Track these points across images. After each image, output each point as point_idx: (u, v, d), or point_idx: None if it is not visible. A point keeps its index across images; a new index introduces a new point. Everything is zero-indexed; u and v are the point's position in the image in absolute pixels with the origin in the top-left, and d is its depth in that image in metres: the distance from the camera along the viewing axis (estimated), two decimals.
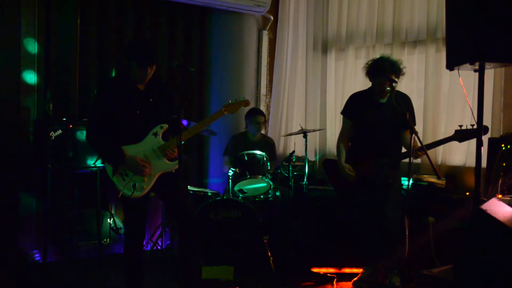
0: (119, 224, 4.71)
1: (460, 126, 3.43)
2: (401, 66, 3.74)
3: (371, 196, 3.79)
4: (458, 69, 2.96)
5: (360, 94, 3.99)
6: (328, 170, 4.14)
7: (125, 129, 3.20)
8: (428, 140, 4.29)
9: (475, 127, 3.31)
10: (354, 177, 3.82)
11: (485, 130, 3.24)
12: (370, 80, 3.85)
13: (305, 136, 4.64)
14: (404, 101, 3.77)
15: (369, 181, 3.78)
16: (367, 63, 3.84)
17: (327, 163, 4.24)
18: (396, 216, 3.59)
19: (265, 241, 4.18)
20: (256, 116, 4.98)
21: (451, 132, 4.19)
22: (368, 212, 3.82)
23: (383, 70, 3.67)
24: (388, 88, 3.66)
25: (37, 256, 4.44)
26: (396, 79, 3.66)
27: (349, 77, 5.28)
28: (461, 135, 3.47)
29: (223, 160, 5.13)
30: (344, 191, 4.00)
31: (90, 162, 4.38)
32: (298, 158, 5.28)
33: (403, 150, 3.85)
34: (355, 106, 3.94)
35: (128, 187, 3.13)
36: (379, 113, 3.80)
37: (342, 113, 4.04)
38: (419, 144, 3.40)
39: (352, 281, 3.90)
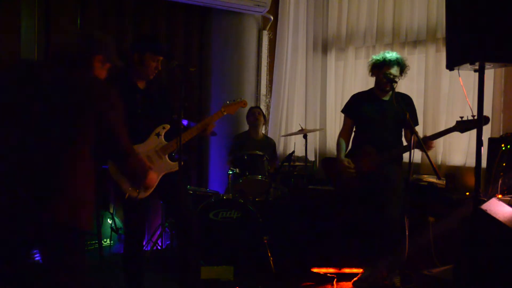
0: (119, 224, 4.70)
1: (461, 117, 3.50)
2: (406, 63, 3.79)
3: (371, 192, 3.78)
4: (458, 69, 2.96)
5: (362, 94, 4.02)
6: (327, 168, 4.15)
7: (127, 129, 3.19)
8: None
9: (475, 117, 3.35)
10: (352, 170, 3.82)
11: (485, 120, 3.35)
12: (375, 75, 3.86)
13: (305, 137, 4.65)
14: (406, 101, 3.79)
15: (370, 176, 3.78)
16: (371, 58, 3.87)
17: (326, 162, 4.25)
18: (396, 214, 3.59)
19: (265, 241, 4.18)
20: (252, 108, 5.16)
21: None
22: (368, 209, 3.82)
23: (388, 60, 3.71)
24: (389, 79, 3.67)
25: (37, 256, 4.43)
26: (397, 74, 3.68)
27: (349, 77, 5.28)
28: (462, 126, 3.51)
29: (227, 160, 5.12)
30: (343, 189, 4.00)
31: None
32: (298, 158, 5.28)
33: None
34: (356, 105, 3.96)
35: (133, 188, 3.13)
36: (381, 109, 3.82)
37: (342, 111, 4.06)
38: (424, 138, 3.52)
39: (352, 281, 3.90)
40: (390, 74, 3.69)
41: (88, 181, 2.11)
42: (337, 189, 4.10)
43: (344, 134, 4.03)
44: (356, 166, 3.85)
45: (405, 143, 3.91)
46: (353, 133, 4.09)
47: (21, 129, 2.02)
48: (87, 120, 2.07)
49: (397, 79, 3.74)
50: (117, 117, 2.18)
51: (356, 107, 3.97)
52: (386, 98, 3.85)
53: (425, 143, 3.55)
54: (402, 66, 3.77)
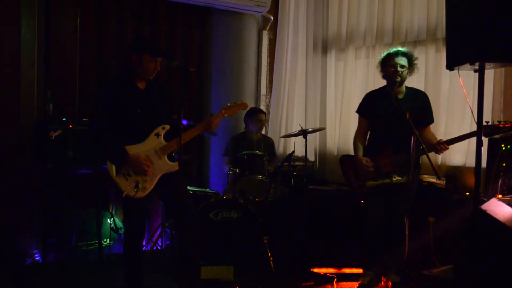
0: (119, 224, 4.70)
1: (487, 122, 3.36)
2: (413, 55, 3.75)
3: (387, 194, 3.72)
4: (458, 69, 2.96)
5: (376, 92, 3.94)
6: (345, 165, 4.08)
7: (126, 129, 3.20)
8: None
9: (502, 124, 3.31)
10: (371, 169, 3.77)
11: None
12: (383, 71, 3.79)
13: (305, 137, 4.64)
14: (420, 99, 3.77)
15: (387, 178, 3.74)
16: (378, 60, 3.85)
17: (344, 159, 4.17)
18: (402, 218, 3.54)
19: (265, 241, 4.18)
20: (258, 114, 5.02)
21: (451, 132, 4.18)
22: (380, 210, 3.76)
23: (394, 52, 3.70)
24: (398, 79, 3.63)
25: (37, 256, 4.44)
26: (405, 64, 3.66)
27: (349, 77, 5.29)
28: (487, 130, 3.37)
29: (223, 160, 5.13)
30: (358, 188, 3.94)
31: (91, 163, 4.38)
32: (298, 158, 5.28)
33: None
34: (370, 104, 3.89)
35: (131, 187, 3.14)
36: (396, 108, 3.74)
37: (357, 111, 3.99)
38: (436, 141, 3.53)
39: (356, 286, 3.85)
40: (397, 64, 3.65)
41: None
42: (352, 188, 4.02)
43: (360, 134, 3.93)
44: (374, 167, 3.78)
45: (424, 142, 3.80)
46: (368, 133, 3.99)
47: None
48: None
49: (405, 71, 3.68)
50: None
51: (370, 107, 3.88)
52: (400, 96, 3.76)
53: (434, 146, 3.52)
54: (409, 57, 3.70)
